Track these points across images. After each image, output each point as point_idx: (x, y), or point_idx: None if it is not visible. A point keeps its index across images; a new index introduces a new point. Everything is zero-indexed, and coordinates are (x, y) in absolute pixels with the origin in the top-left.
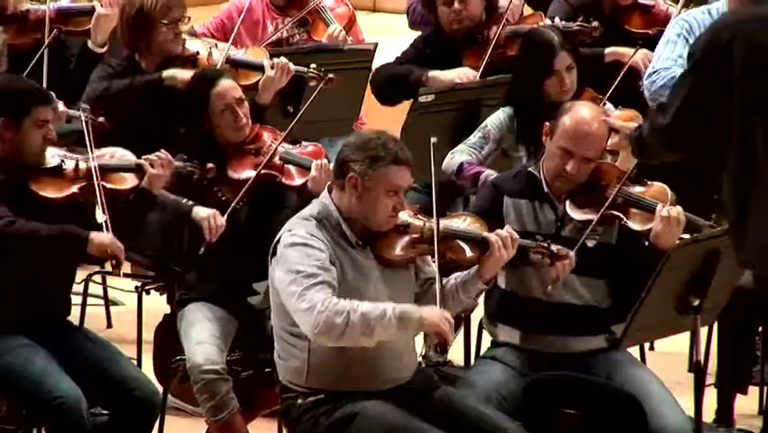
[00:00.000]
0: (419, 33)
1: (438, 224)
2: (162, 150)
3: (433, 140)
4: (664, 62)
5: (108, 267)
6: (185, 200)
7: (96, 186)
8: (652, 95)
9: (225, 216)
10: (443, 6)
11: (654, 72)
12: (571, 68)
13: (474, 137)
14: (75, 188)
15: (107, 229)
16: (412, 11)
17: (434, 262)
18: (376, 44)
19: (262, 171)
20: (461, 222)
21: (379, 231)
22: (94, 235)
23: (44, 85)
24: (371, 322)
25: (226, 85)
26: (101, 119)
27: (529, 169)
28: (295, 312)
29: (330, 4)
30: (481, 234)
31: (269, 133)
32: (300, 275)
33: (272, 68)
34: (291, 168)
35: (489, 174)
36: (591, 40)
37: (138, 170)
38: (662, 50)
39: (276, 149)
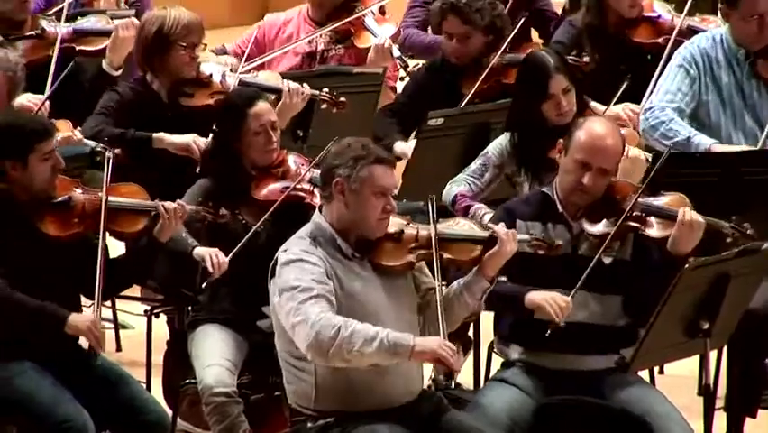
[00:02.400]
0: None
1: (435, 229)
2: (179, 200)
3: (431, 196)
4: (663, 96)
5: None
6: (190, 240)
7: (102, 228)
8: (643, 132)
9: (245, 239)
10: (445, 38)
11: (650, 109)
12: (568, 90)
13: (474, 164)
14: (79, 228)
15: (97, 307)
16: (404, 37)
17: (431, 271)
18: (385, 68)
19: (291, 193)
20: (457, 225)
21: (372, 237)
22: (72, 319)
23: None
24: (359, 341)
25: (263, 107)
26: (117, 150)
27: (542, 189)
28: (290, 327)
29: (375, 19)
30: (476, 232)
31: (296, 158)
32: (296, 290)
33: (290, 93)
34: (318, 191)
35: (479, 207)
36: (585, 73)
37: (148, 214)
38: (662, 81)
39: (306, 173)
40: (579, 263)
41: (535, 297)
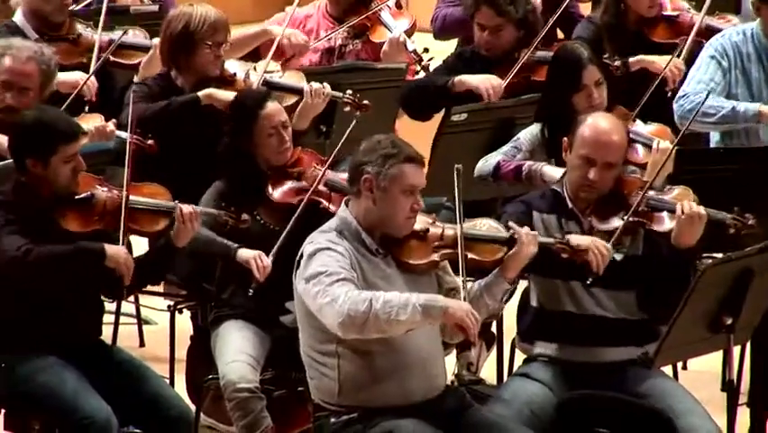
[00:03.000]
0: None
1: (462, 228)
2: (192, 205)
3: (457, 166)
4: (696, 86)
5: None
6: (228, 242)
7: (122, 226)
8: (680, 119)
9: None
10: (477, 29)
11: (684, 96)
12: (600, 83)
13: (506, 147)
14: (100, 225)
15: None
16: (441, 18)
17: (456, 270)
18: (407, 63)
19: (308, 198)
20: (482, 225)
21: (399, 235)
22: (111, 250)
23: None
24: (394, 309)
25: (274, 108)
26: (150, 141)
27: (552, 187)
28: (319, 310)
29: (390, 13)
30: (500, 233)
31: (311, 158)
32: (322, 275)
33: (311, 94)
34: (338, 195)
35: (532, 164)
36: (615, 77)
37: (168, 215)
38: (694, 71)
39: (322, 177)
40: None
41: (582, 240)
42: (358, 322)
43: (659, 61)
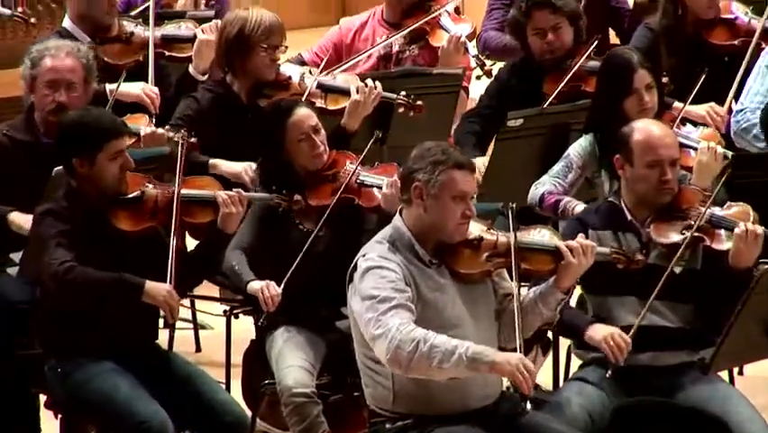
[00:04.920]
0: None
1: (516, 237)
2: (239, 189)
3: (511, 205)
4: (753, 98)
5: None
6: (244, 273)
7: (174, 220)
8: (735, 135)
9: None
10: (535, 37)
11: (741, 111)
12: (651, 86)
13: (557, 166)
14: (152, 222)
15: (169, 280)
16: (483, 41)
17: (511, 277)
18: (464, 68)
19: (339, 197)
20: (537, 234)
21: (451, 242)
22: (149, 287)
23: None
24: (438, 356)
25: (301, 114)
26: (193, 139)
27: (609, 199)
28: (371, 339)
29: (450, 18)
30: (554, 243)
31: (345, 158)
32: (375, 300)
33: (358, 91)
34: (368, 190)
35: (568, 201)
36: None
37: (216, 204)
38: (752, 82)
39: (353, 173)
40: (650, 271)
41: (595, 335)
42: (403, 362)
43: (698, 109)
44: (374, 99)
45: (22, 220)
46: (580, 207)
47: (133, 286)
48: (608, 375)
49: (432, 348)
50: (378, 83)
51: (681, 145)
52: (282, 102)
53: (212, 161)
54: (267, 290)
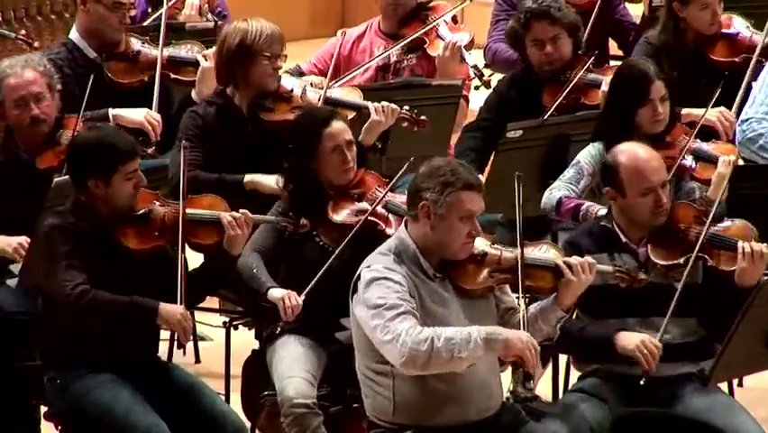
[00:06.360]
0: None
1: (522, 253)
2: (242, 209)
3: (518, 173)
4: (758, 108)
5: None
6: (263, 278)
7: (180, 240)
8: (741, 146)
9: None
10: (534, 48)
11: (747, 121)
12: (665, 99)
13: (568, 172)
14: (160, 241)
15: (181, 301)
16: (491, 53)
17: (515, 292)
18: (463, 80)
19: (366, 220)
20: (539, 251)
21: (455, 259)
22: (163, 311)
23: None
24: (456, 347)
25: (339, 126)
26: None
27: (602, 223)
28: (380, 345)
29: (448, 27)
30: (555, 261)
31: (373, 179)
32: (382, 308)
33: (377, 112)
34: (392, 217)
35: (590, 205)
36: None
37: (221, 226)
38: (757, 92)
39: (381, 199)
40: (649, 289)
41: (628, 344)
42: (420, 362)
43: (708, 115)
44: (393, 117)
45: (3, 243)
46: (602, 210)
47: (147, 310)
48: (642, 383)
49: (447, 341)
50: (394, 105)
51: (699, 158)
52: (319, 111)
53: (247, 177)
54: (288, 299)
